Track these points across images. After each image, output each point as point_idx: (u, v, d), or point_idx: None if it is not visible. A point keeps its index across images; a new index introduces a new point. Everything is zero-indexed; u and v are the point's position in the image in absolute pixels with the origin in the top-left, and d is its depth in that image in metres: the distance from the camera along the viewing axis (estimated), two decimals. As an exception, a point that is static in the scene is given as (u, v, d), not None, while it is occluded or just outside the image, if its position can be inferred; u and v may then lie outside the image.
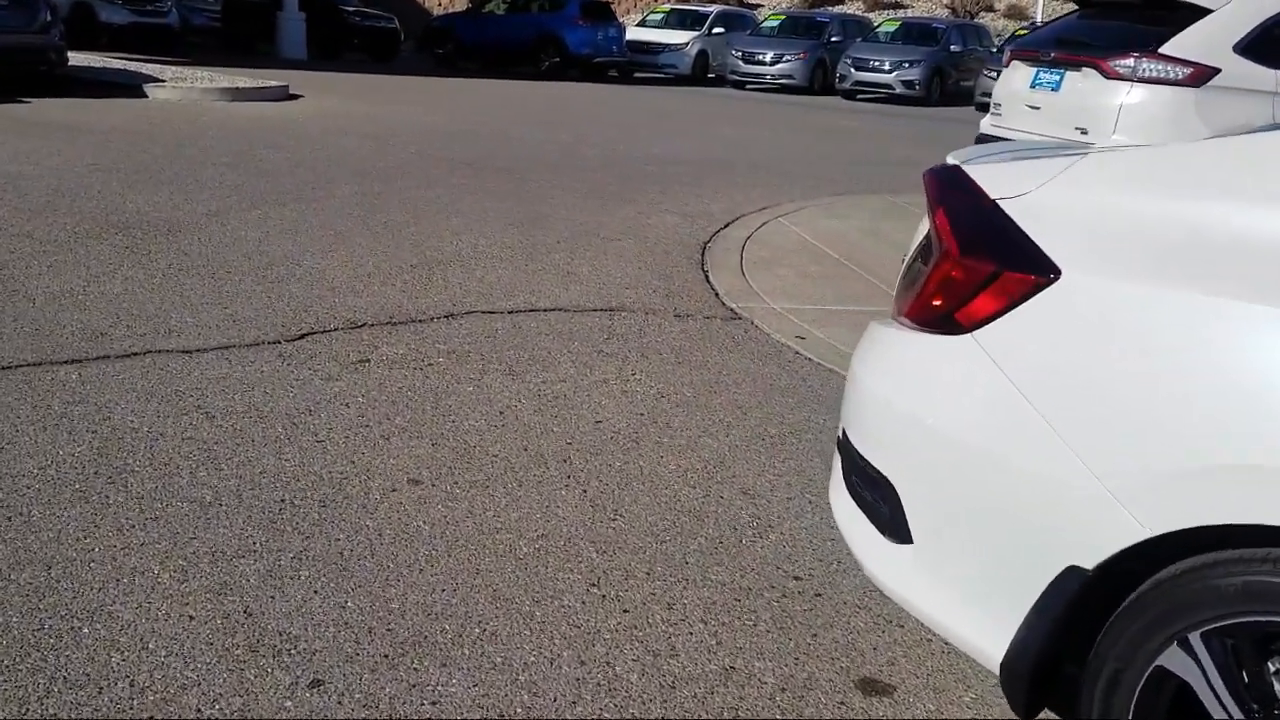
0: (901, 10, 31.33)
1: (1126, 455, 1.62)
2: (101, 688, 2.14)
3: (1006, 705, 1.77)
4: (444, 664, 2.29)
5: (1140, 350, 1.62)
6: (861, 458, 2.06)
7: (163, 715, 2.07)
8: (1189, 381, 1.56)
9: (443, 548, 2.78)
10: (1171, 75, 6.42)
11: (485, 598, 2.56)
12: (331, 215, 6.70)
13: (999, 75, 8.27)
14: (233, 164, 8.27)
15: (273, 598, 2.49)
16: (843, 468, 2.21)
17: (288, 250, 5.74)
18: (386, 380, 3.94)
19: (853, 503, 2.15)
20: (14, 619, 2.34)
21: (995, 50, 22.84)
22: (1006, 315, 1.76)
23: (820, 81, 23.44)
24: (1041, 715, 1.83)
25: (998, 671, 1.81)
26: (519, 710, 2.17)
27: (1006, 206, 1.83)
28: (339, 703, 2.14)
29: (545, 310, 5.00)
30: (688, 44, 24.44)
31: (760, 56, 23.34)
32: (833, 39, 24.10)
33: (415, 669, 2.27)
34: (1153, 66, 6.47)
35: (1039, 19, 27.31)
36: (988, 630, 1.82)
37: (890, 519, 1.97)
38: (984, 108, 19.27)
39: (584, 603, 2.57)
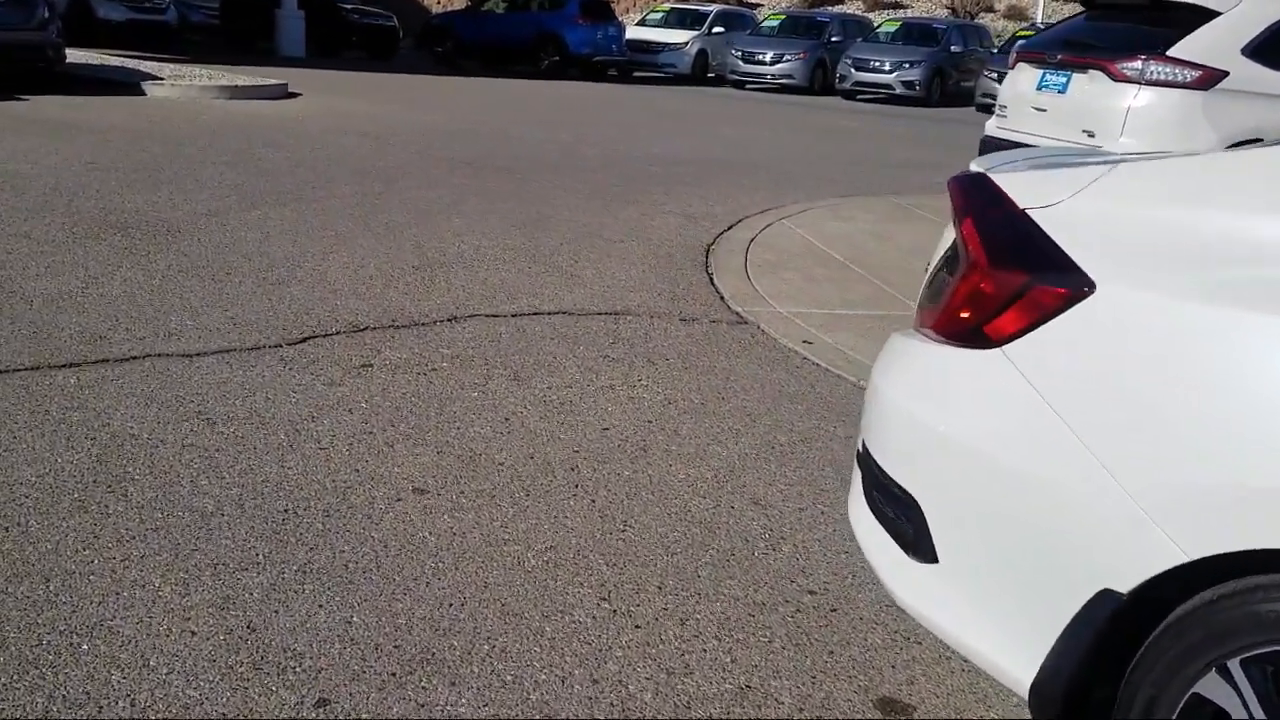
0: (901, 10, 31.28)
1: (1166, 476, 1.57)
2: (102, 707, 2.08)
3: (1034, 730, 1.72)
4: (453, 682, 2.24)
5: (1182, 367, 1.57)
6: (884, 473, 2.00)
7: (164, 736, 2.02)
8: (1231, 400, 1.51)
9: (450, 560, 2.72)
10: (1179, 78, 6.37)
11: (494, 612, 2.50)
12: (332, 216, 6.64)
13: (999, 76, 8.23)
14: (232, 163, 8.20)
15: (276, 612, 2.43)
16: (863, 482, 2.16)
17: (288, 251, 5.68)
18: (390, 385, 3.88)
19: (873, 518, 2.10)
20: (11, 634, 2.28)
21: (996, 51, 22.80)
22: (1039, 329, 1.70)
23: (820, 81, 23.39)
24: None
25: (1026, 696, 1.76)
26: (530, 731, 2.11)
27: (1037, 216, 1.78)
28: (346, 723, 2.09)
29: (549, 313, 4.94)
30: (687, 43, 24.37)
31: (760, 56, 23.28)
32: (833, 39, 24.05)
33: (424, 688, 2.21)
34: (1160, 69, 6.43)
35: (1039, 20, 27.27)
36: (1016, 653, 1.77)
37: (914, 537, 1.92)
38: (985, 108, 19.30)
39: (595, 618, 2.51)
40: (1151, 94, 6.47)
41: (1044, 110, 7.16)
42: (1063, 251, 1.70)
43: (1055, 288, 1.68)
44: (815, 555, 2.89)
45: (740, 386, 4.17)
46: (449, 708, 2.16)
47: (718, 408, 3.93)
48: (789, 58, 23.10)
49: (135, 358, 3.96)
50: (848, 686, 2.33)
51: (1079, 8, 8.01)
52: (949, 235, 2.04)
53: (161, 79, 13.03)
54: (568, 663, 2.34)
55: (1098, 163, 1.93)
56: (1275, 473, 1.45)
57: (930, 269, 2.10)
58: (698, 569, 2.77)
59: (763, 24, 25.92)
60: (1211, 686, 1.58)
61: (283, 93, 13.61)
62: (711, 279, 5.85)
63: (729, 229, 7.17)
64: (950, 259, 1.94)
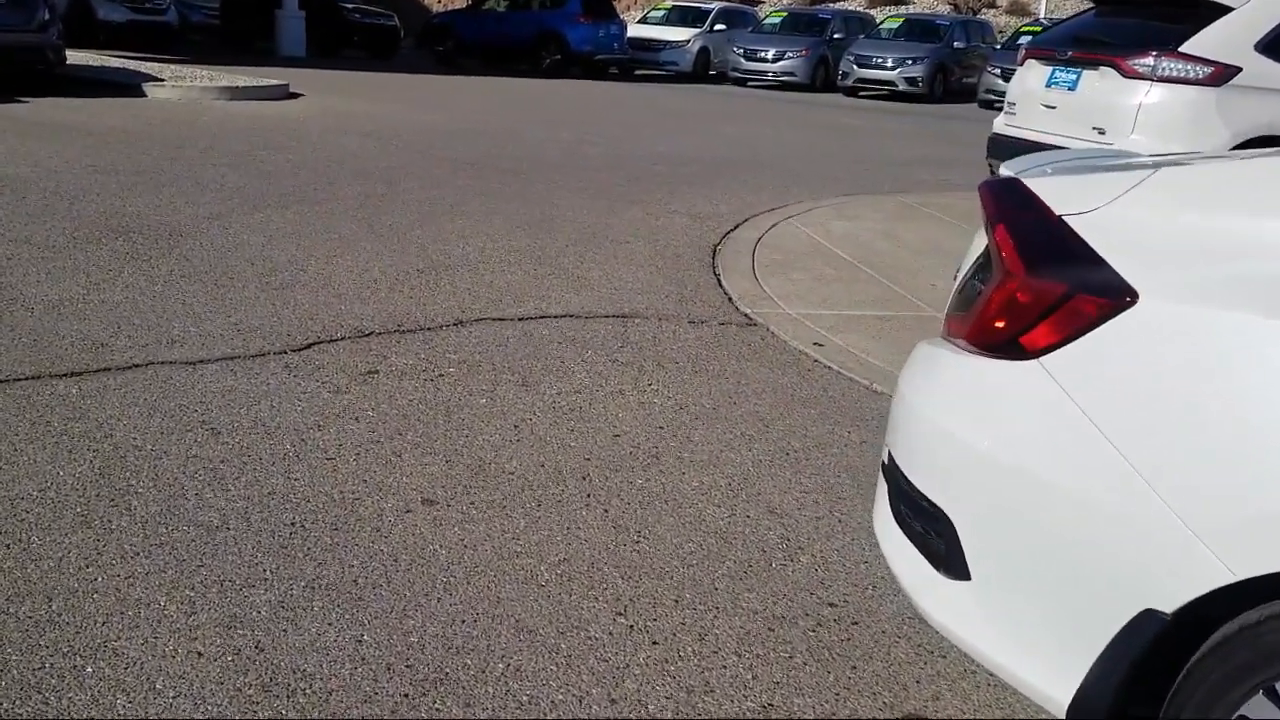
0: (904, 7, 31.17)
1: (1212, 492, 1.51)
2: (106, 732, 2.02)
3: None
4: (468, 703, 2.17)
5: (1228, 380, 1.51)
6: (912, 487, 1.94)
7: (171, 762, 1.96)
8: (1281, 415, 1.45)
9: (461, 574, 2.66)
10: (1191, 74, 6.30)
11: (508, 629, 2.44)
12: (335, 218, 6.57)
13: (1002, 71, 8.16)
14: (233, 165, 8.14)
15: (285, 631, 2.37)
16: (889, 494, 2.09)
17: (291, 255, 5.61)
18: (396, 392, 3.82)
19: (900, 532, 2.04)
20: (14, 657, 2.21)
21: (999, 46, 22.71)
22: (1079, 340, 1.64)
23: (822, 79, 23.29)
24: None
25: (1064, 717, 1.70)
26: (548, 754, 2.05)
27: (1074, 223, 1.72)
28: (358, 747, 2.03)
29: (557, 317, 4.88)
30: (689, 41, 24.28)
31: (762, 53, 23.19)
32: (835, 36, 23.95)
33: (438, 709, 2.15)
34: (1172, 65, 6.35)
35: (1042, 15, 27.18)
36: (1052, 674, 1.71)
37: (945, 553, 1.86)
38: (988, 104, 19.23)
39: (611, 634, 2.45)
40: (1163, 90, 6.39)
41: (1053, 107, 7.08)
42: (1104, 260, 1.64)
43: (1098, 297, 1.61)
44: (834, 566, 2.82)
45: (752, 390, 4.11)
46: (464, 730, 2.10)
47: (730, 413, 3.86)
48: (791, 55, 23.01)
49: (138, 366, 3.90)
50: (872, 703, 2.27)
51: (1083, 3, 7.93)
52: (979, 241, 1.97)
53: (162, 80, 12.96)
54: (584, 681, 2.27)
55: (1134, 166, 1.86)
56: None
57: (960, 276, 2.03)
58: (715, 581, 2.71)
59: (764, 21, 25.83)
60: (1259, 709, 1.52)
61: (284, 93, 13.55)
62: (719, 280, 5.78)
63: (735, 228, 7.10)
64: (983, 266, 1.87)
